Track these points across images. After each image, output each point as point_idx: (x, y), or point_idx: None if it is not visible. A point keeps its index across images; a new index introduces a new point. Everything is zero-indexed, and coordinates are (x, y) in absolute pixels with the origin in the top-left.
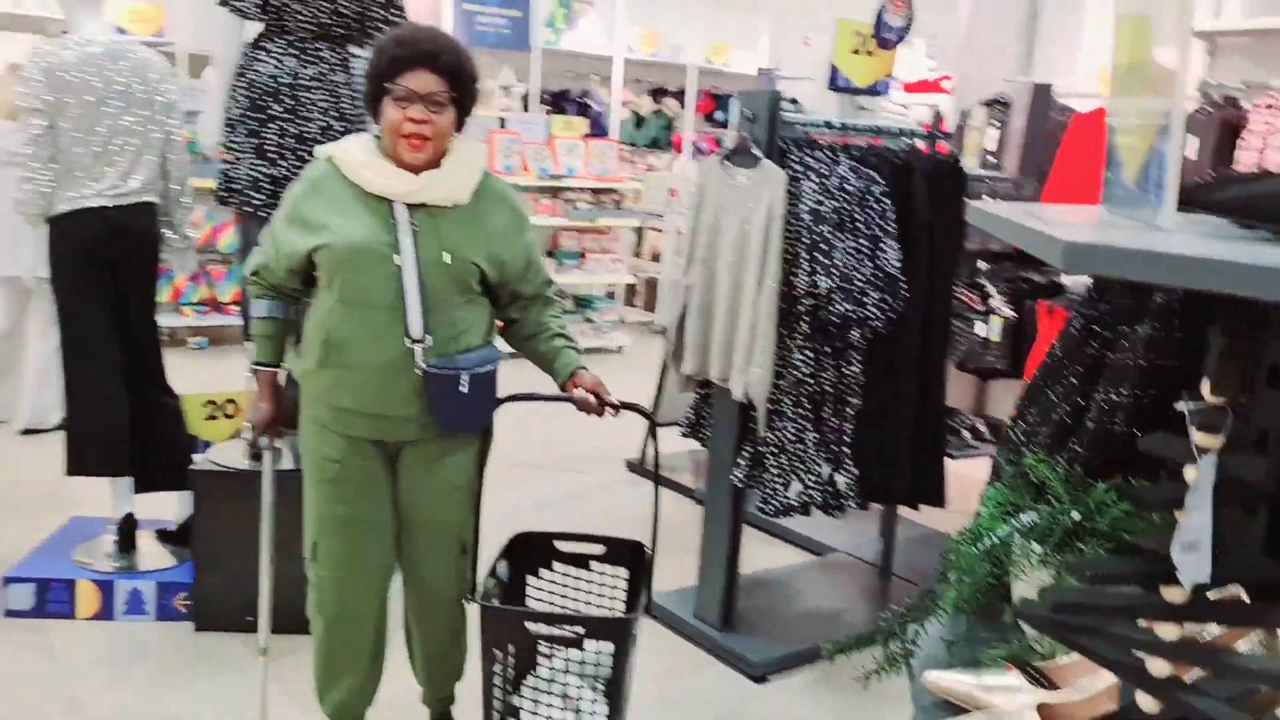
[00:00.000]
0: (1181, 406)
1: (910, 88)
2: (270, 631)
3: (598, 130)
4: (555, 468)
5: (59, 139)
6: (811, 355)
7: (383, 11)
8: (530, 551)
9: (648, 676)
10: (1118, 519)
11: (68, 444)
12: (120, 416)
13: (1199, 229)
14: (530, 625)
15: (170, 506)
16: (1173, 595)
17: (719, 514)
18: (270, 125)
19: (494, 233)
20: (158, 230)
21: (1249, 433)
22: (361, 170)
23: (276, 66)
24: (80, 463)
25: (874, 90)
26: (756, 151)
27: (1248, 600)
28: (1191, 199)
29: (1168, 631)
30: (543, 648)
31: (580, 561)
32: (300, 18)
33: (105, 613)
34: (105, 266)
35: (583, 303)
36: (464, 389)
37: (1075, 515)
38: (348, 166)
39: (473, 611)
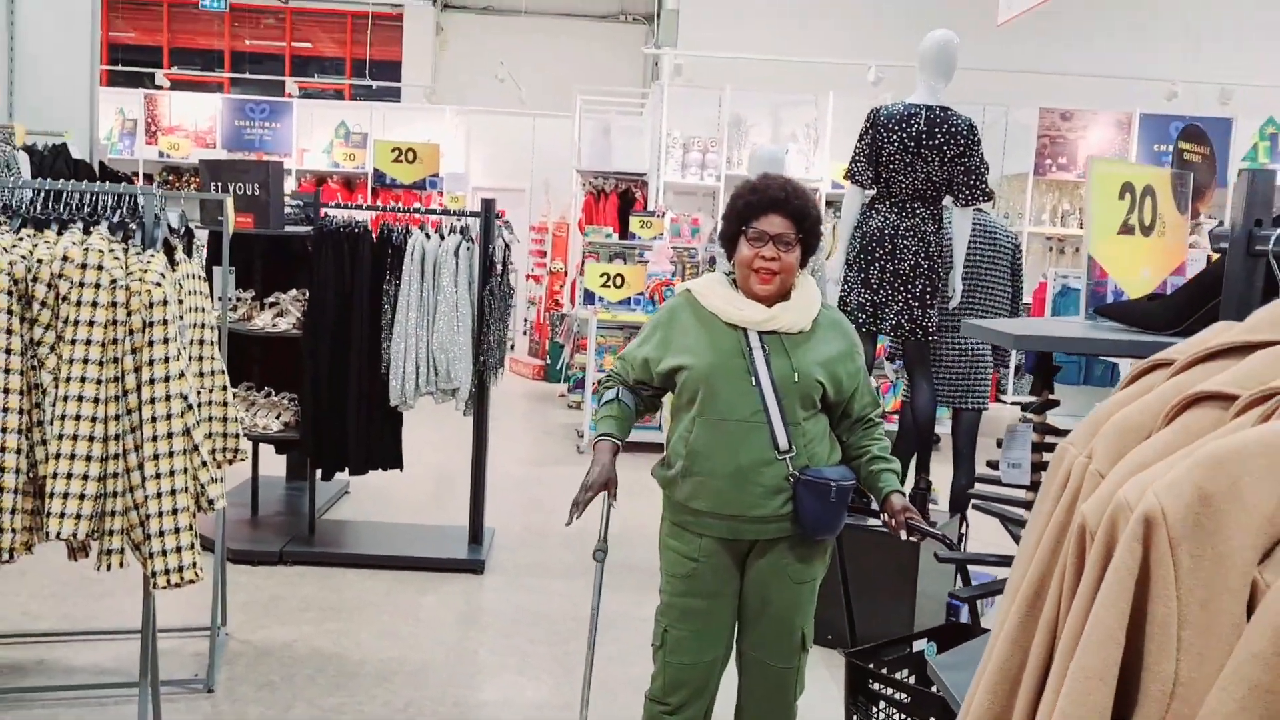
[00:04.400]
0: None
1: None
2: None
3: None
4: None
5: None
6: None
7: (964, 177)
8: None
9: None
10: None
11: None
12: None
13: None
14: (874, 684)
15: None
16: (1028, 497)
17: None
18: (874, 264)
19: (832, 355)
20: None
21: None
22: (718, 302)
23: (882, 221)
24: None
25: None
26: None
27: None
28: (1104, 313)
29: (1024, 514)
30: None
31: None
32: (901, 185)
33: None
34: None
35: None
36: (833, 498)
37: None
38: (706, 299)
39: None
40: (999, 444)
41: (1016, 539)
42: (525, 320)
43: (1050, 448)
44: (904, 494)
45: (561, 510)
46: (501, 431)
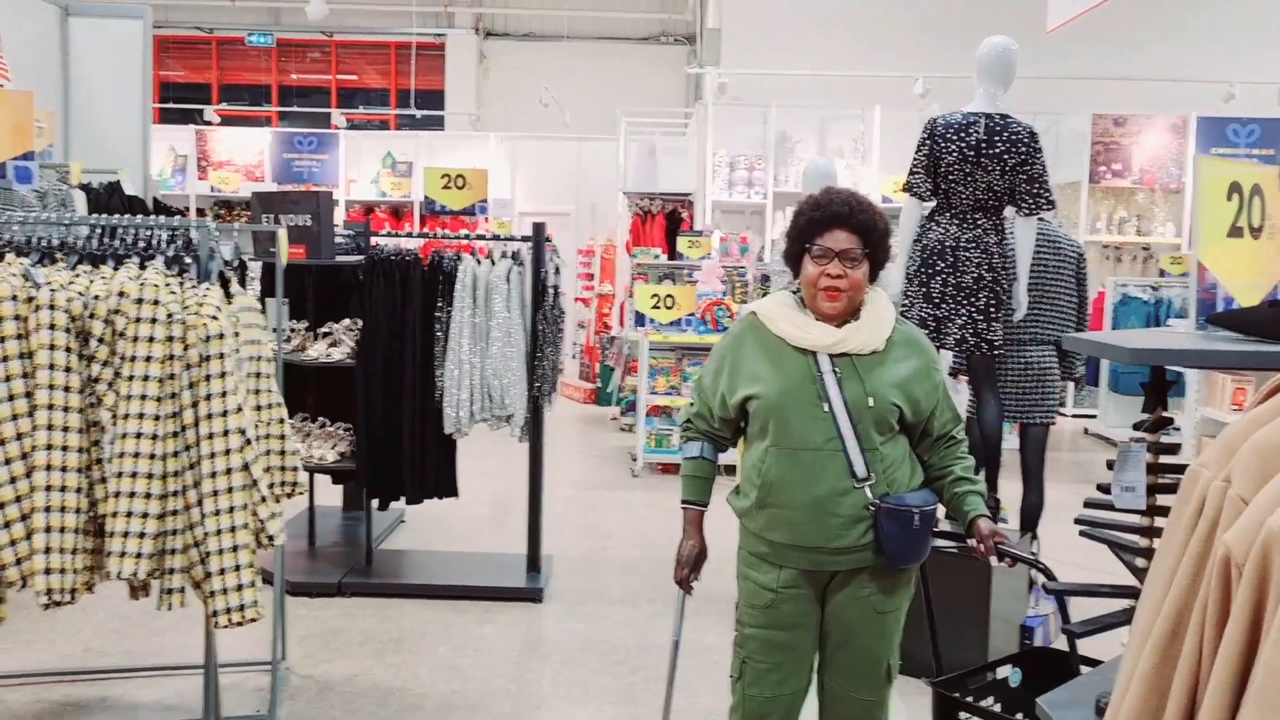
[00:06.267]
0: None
1: None
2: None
3: None
4: None
5: None
6: None
7: (1027, 185)
8: (1056, 668)
9: None
10: None
11: None
12: None
13: None
14: (964, 714)
15: None
16: (1142, 522)
17: None
18: (936, 278)
19: (908, 375)
20: None
21: None
22: (785, 326)
23: (943, 233)
24: None
25: None
26: None
27: None
28: (1217, 321)
29: (1140, 541)
30: None
31: None
32: (962, 195)
33: None
34: None
35: None
36: (916, 525)
37: None
38: (772, 322)
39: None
40: (1113, 462)
41: (1131, 568)
42: (574, 344)
43: (1166, 469)
44: (990, 517)
45: (618, 535)
46: (554, 456)
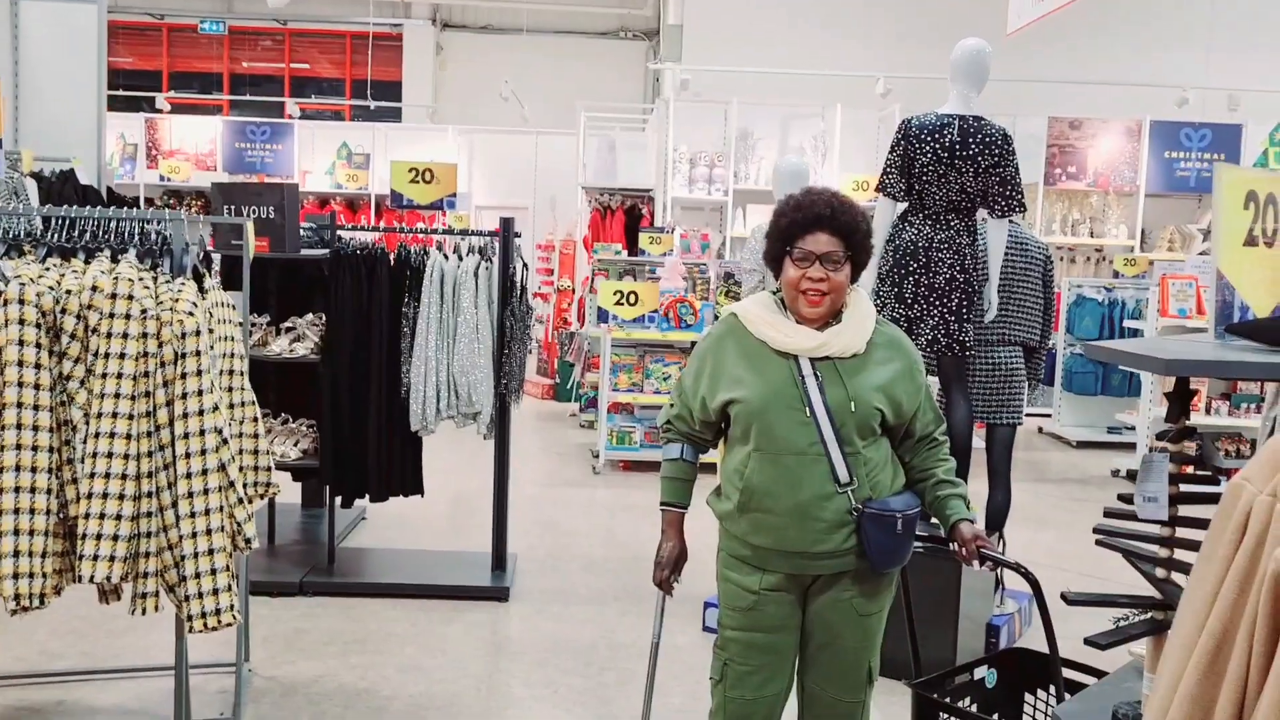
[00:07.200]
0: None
1: None
2: None
3: None
4: None
5: None
6: None
7: (999, 188)
8: (1030, 669)
9: None
10: None
11: None
12: None
13: None
14: (944, 714)
15: None
16: (1163, 532)
17: None
18: (909, 278)
19: (890, 377)
20: None
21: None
22: (766, 329)
23: (916, 234)
24: None
25: None
26: None
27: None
28: (1236, 331)
29: (1161, 551)
30: None
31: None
32: (935, 197)
33: None
34: None
35: None
36: (899, 530)
37: None
38: (753, 325)
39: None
40: (1137, 473)
41: (1150, 578)
42: (533, 339)
43: (1189, 479)
44: (973, 520)
45: (582, 533)
46: (515, 452)
